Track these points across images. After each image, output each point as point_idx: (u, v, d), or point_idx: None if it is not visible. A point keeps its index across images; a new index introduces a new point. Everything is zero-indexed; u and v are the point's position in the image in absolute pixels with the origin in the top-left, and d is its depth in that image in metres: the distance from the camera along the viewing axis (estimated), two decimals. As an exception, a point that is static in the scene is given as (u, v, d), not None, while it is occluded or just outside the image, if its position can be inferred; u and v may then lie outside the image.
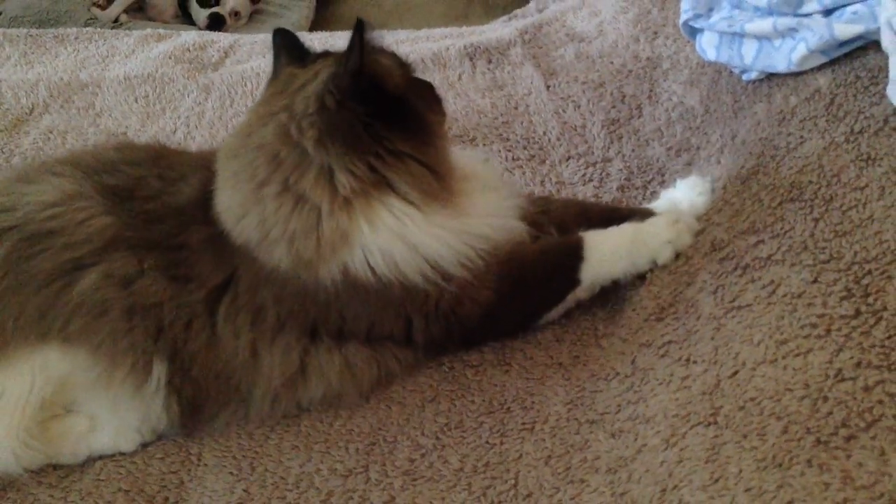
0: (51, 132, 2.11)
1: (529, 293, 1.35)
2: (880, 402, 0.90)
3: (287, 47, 1.36)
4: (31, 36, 2.61)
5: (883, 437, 0.87)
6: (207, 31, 3.21)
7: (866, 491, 0.83)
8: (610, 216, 1.42)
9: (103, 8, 4.00)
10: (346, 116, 1.20)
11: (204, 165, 1.33)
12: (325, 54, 1.32)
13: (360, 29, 1.17)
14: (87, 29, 2.77)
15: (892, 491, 0.82)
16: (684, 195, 1.43)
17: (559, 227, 1.43)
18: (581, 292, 1.37)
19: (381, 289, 1.23)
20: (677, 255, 1.35)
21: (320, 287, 1.23)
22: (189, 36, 2.61)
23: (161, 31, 2.70)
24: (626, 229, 1.37)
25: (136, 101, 2.24)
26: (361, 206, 1.21)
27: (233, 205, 1.24)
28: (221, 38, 2.63)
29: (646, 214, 1.41)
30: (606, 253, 1.35)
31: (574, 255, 1.33)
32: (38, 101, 2.24)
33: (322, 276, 1.22)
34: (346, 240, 1.20)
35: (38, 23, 3.83)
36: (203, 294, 1.25)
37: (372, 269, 1.22)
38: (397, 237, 1.22)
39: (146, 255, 1.25)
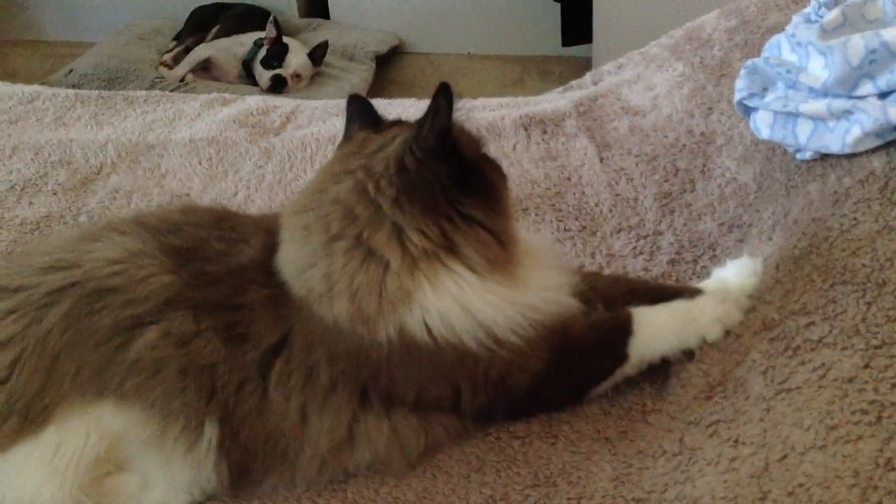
0: (117, 192, 2.17)
1: (577, 366, 1.35)
2: (931, 494, 0.89)
3: (360, 112, 1.41)
4: (101, 97, 2.69)
5: (933, 531, 0.86)
6: (271, 97, 3.29)
7: (916, 585, 0.82)
8: (658, 294, 1.42)
9: (170, 68, 4.15)
10: (425, 177, 1.23)
11: (265, 229, 1.35)
12: (399, 122, 1.37)
13: (445, 92, 1.20)
14: (156, 92, 2.86)
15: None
16: (735, 275, 1.43)
17: (607, 302, 1.44)
18: (629, 368, 1.37)
19: (434, 351, 1.24)
20: (727, 333, 1.35)
21: (375, 345, 1.24)
22: (253, 101, 2.68)
23: (227, 95, 2.78)
24: (675, 306, 1.38)
25: (200, 163, 2.30)
26: (426, 267, 1.23)
27: (299, 257, 1.26)
28: (284, 104, 2.69)
29: (694, 293, 1.42)
30: (655, 329, 1.35)
31: (623, 330, 1.34)
32: (106, 161, 2.30)
33: (379, 334, 1.23)
34: (407, 299, 1.22)
35: (107, 80, 3.98)
36: (257, 355, 1.26)
37: (429, 330, 1.23)
38: (456, 301, 1.23)
39: (205, 315, 1.26)
